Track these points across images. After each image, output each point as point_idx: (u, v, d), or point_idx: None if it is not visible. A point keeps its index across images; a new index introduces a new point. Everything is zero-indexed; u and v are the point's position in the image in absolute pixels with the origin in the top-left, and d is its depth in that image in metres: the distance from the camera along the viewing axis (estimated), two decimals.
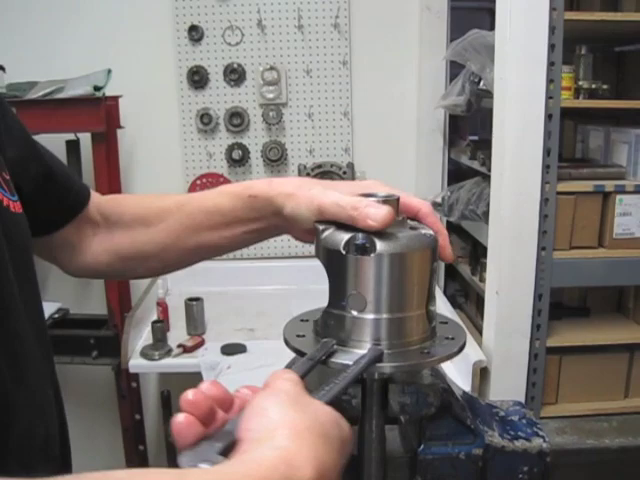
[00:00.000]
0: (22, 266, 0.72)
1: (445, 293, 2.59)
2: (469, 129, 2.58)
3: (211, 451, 0.46)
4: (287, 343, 0.65)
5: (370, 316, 0.61)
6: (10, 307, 0.67)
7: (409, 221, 0.67)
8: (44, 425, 0.72)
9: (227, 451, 0.46)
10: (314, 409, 0.49)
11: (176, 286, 2.45)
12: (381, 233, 0.62)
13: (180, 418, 0.49)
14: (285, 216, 0.74)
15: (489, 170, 1.93)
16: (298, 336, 0.65)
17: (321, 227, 0.65)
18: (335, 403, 0.52)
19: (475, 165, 2.22)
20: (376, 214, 0.62)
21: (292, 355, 0.65)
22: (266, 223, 0.80)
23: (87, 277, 0.97)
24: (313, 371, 0.58)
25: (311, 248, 0.66)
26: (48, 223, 0.89)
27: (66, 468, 0.78)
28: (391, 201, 0.65)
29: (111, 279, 1.02)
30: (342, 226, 0.64)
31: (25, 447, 0.67)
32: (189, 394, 0.50)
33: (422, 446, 0.64)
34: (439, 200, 2.34)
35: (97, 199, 0.94)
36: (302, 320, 0.68)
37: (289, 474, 0.42)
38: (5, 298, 0.67)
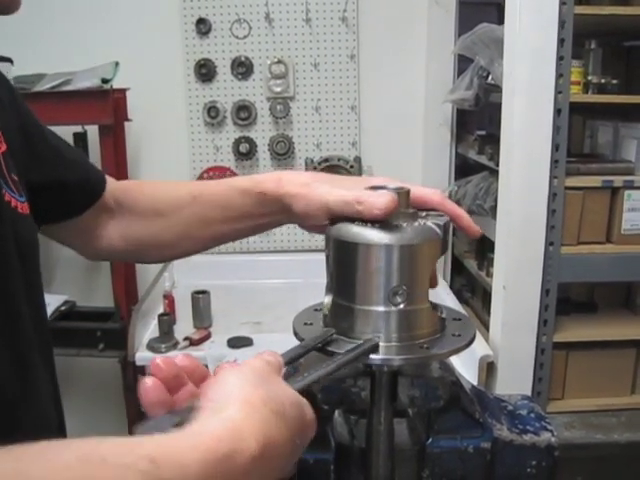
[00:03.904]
0: (29, 267, 0.73)
1: (451, 288, 2.58)
2: (477, 123, 2.57)
3: (168, 423, 0.46)
4: (294, 329, 0.65)
5: (377, 308, 0.61)
6: (16, 308, 0.69)
7: (424, 212, 0.67)
8: (44, 420, 0.74)
9: (185, 425, 0.46)
10: (276, 388, 0.49)
11: (183, 279, 2.45)
12: (390, 226, 0.62)
13: (147, 380, 0.51)
14: (295, 214, 0.75)
15: (497, 165, 1.92)
16: (306, 324, 0.65)
17: (331, 223, 0.66)
18: (307, 391, 0.52)
19: (483, 160, 2.21)
20: (380, 202, 0.62)
21: None
22: (275, 218, 0.81)
23: (102, 260, 0.99)
24: None
25: (317, 242, 0.66)
26: (64, 212, 0.90)
27: None
28: (402, 194, 0.65)
29: (125, 261, 1.05)
30: (351, 220, 0.64)
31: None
32: (158, 359, 0.52)
33: (430, 439, 0.64)
34: (446, 194, 2.33)
35: (112, 185, 0.95)
36: (316, 310, 0.68)
37: (233, 445, 0.43)
38: (14, 299, 0.68)
